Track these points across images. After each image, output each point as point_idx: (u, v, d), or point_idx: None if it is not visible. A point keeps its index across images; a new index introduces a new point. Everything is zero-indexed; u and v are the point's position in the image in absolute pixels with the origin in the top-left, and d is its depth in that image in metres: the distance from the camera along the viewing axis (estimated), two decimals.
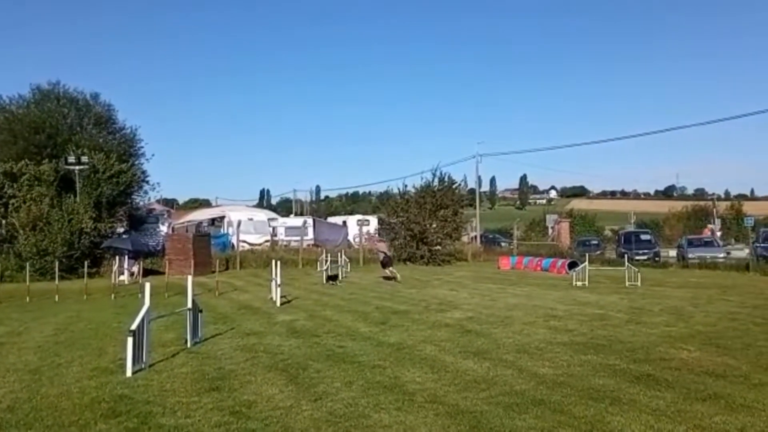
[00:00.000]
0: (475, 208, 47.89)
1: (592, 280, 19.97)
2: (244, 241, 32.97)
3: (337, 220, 47.25)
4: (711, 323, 11.16)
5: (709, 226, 36.36)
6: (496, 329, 10.87)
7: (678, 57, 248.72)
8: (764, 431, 5.18)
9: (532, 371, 7.58)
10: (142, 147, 35.03)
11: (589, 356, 8.38)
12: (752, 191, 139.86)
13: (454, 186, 35.00)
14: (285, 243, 35.90)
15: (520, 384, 6.94)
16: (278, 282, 15.07)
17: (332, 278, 21.37)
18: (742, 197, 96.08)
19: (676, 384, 6.78)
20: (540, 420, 5.60)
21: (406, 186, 35.66)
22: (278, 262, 15.29)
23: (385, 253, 23.64)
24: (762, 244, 26.02)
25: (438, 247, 32.94)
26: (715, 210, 45.53)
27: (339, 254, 25.05)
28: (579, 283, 19.39)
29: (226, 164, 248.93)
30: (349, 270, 25.60)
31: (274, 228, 38.89)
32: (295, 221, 41.12)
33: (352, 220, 41.36)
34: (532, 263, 28.52)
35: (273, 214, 47.14)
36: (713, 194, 79.07)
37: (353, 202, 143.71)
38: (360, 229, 35.14)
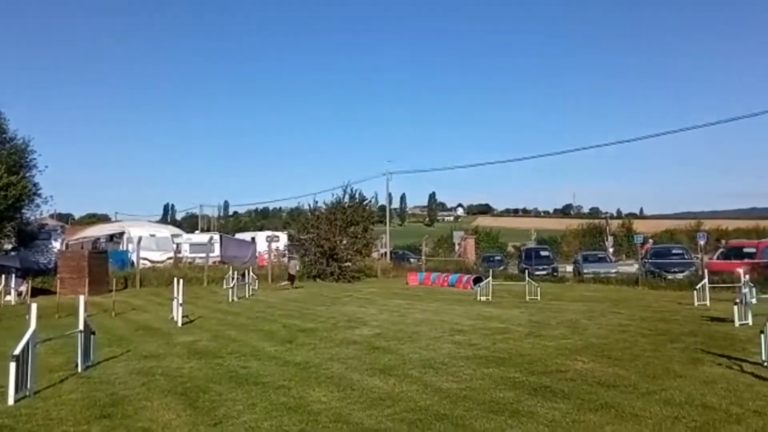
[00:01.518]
0: (385, 224, 48.35)
1: (495, 294, 20.61)
2: (146, 259, 31.52)
3: (245, 236, 46.23)
4: (603, 335, 11.77)
5: (650, 241, 37.61)
6: (403, 345, 10.95)
7: (572, 79, 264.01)
8: None
9: (437, 386, 7.67)
10: (35, 158, 32.71)
11: (491, 369, 8.60)
12: (641, 210, 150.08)
13: (364, 203, 35.24)
14: (189, 260, 34.64)
15: (424, 399, 7.00)
16: (180, 301, 14.48)
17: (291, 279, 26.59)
18: (632, 216, 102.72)
19: (571, 395, 7.07)
20: None
21: (317, 202, 35.61)
22: (181, 280, 14.72)
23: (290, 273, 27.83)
24: (651, 260, 27.83)
25: (348, 264, 32.94)
26: (608, 228, 48.27)
27: (246, 271, 24.46)
28: (483, 298, 19.96)
29: (127, 178, 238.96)
30: (257, 288, 25.07)
31: (177, 245, 37.47)
32: (200, 237, 39.78)
33: (261, 237, 40.61)
34: (439, 279, 29.08)
35: (177, 230, 45.41)
36: (607, 213, 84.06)
37: (263, 218, 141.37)
38: (269, 246, 34.52)
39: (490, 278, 21.33)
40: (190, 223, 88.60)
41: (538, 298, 19.76)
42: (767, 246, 27.82)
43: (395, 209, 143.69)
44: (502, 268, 33.93)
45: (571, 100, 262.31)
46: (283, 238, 40.55)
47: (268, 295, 23.17)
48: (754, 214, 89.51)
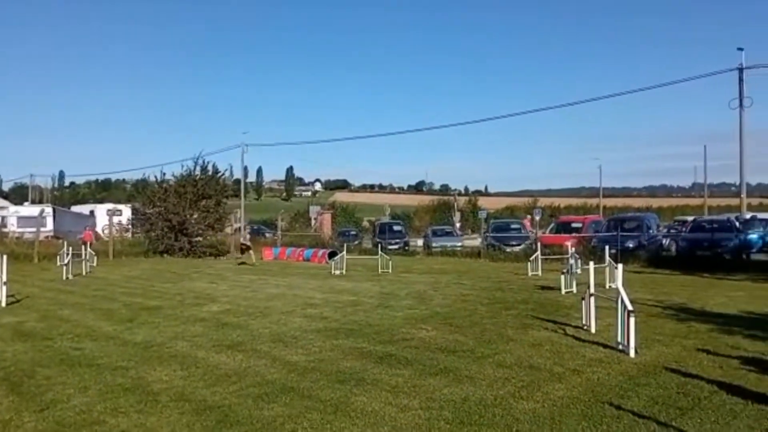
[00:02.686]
0: (240, 198, 47.10)
1: (349, 268, 20.95)
2: None
3: (83, 209, 42.81)
4: (447, 305, 12.43)
5: (528, 216, 38.89)
6: (253, 321, 10.78)
7: (430, 58, 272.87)
8: (483, 398, 5.87)
9: (285, 359, 7.66)
10: None
11: (341, 341, 8.75)
12: (486, 188, 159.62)
13: (218, 175, 34.03)
14: (17, 235, 31.42)
15: (272, 373, 6.96)
16: (4, 279, 13.11)
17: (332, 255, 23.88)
18: (478, 193, 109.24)
19: (414, 361, 7.39)
20: (288, 407, 5.67)
21: (164, 174, 33.75)
22: (5, 257, 13.30)
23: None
24: (491, 234, 29.78)
25: (199, 239, 31.74)
26: (456, 204, 50.97)
27: (84, 247, 22.67)
28: (337, 272, 20.21)
29: None
30: (95, 264, 23.36)
31: (3, 218, 33.81)
32: (30, 210, 36.20)
33: (101, 210, 37.82)
34: (294, 254, 29.00)
35: (3, 202, 40.93)
36: (455, 190, 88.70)
37: (104, 190, 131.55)
38: (110, 220, 32.24)
39: (345, 252, 21.63)
40: (19, 194, 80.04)
41: (390, 271, 20.39)
42: (592, 221, 31.01)
43: (251, 183, 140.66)
44: (357, 242, 34.55)
45: (427, 79, 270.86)
46: (126, 211, 38.07)
47: (108, 272, 21.69)
48: (583, 192, 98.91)
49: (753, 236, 24.24)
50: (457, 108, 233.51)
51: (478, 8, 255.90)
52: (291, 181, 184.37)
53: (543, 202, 67.76)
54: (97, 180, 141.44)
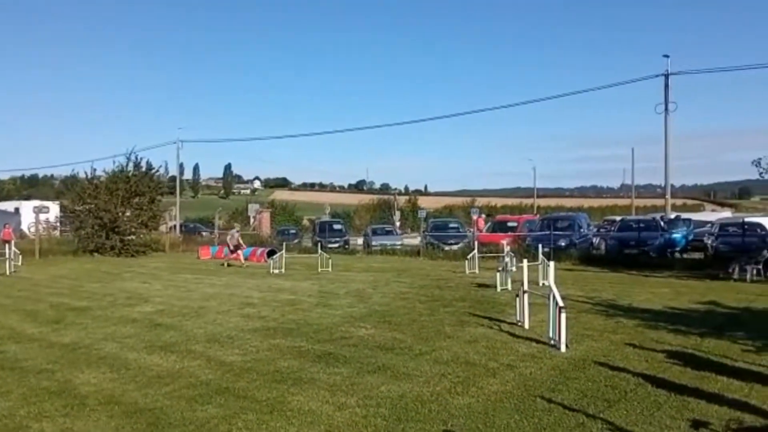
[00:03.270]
0: (176, 196, 45.86)
1: (289, 267, 20.75)
2: None
3: (7, 206, 40.72)
4: (386, 303, 12.49)
5: (483, 216, 37.64)
6: (188, 321, 10.53)
7: (362, 59, 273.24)
8: (420, 394, 5.93)
9: (221, 360, 7.52)
10: None
11: (278, 340, 8.65)
12: (426, 187, 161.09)
13: (151, 172, 33.01)
14: None
15: (206, 374, 6.82)
16: None
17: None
18: (418, 192, 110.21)
19: (352, 359, 7.40)
20: (223, 408, 5.57)
21: (95, 170, 32.45)
22: None
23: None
24: (431, 233, 30.13)
25: (132, 237, 30.73)
26: (396, 203, 51.30)
27: (7, 245, 21.55)
28: (276, 271, 19.98)
29: None
30: (20, 263, 22.26)
31: None
32: None
33: (27, 207, 36.04)
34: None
35: None
36: (395, 189, 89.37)
37: (31, 186, 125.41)
38: (37, 217, 30.75)
39: (284, 251, 21.41)
40: None
41: (330, 269, 20.31)
42: (527, 221, 31.83)
43: (187, 180, 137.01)
44: (296, 241, 34.26)
45: (367, 78, 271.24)
46: (54, 208, 36.41)
47: (34, 272, 20.71)
48: (518, 193, 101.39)
49: (677, 235, 25.40)
50: (398, 107, 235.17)
51: (416, 10, 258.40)
52: (229, 178, 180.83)
53: (481, 201, 68.92)
54: (23, 176, 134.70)
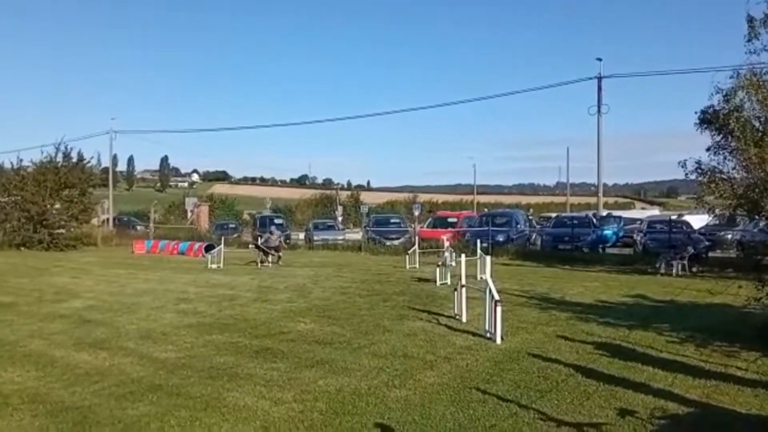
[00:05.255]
0: (108, 188, 44.25)
1: (227, 262, 20.38)
2: None
3: None
4: (326, 297, 12.44)
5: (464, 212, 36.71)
6: (120, 317, 10.20)
7: (310, 53, 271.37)
8: (357, 388, 5.94)
9: (154, 357, 7.32)
10: None
11: (214, 336, 8.49)
12: (368, 182, 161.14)
13: (82, 163, 31.72)
14: None
15: (138, 371, 6.62)
16: None
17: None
18: (360, 188, 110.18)
19: (290, 354, 7.33)
20: (155, 406, 5.42)
21: (21, 160, 30.91)
22: None
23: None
24: (372, 228, 30.19)
25: (61, 231, 29.44)
26: (338, 198, 51.19)
27: None
28: (214, 266, 19.59)
29: None
30: None
31: None
32: None
33: None
34: (168, 247, 27.75)
35: None
36: (338, 184, 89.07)
37: None
38: None
39: (222, 245, 21.01)
40: None
41: (270, 264, 20.06)
42: (466, 217, 32.36)
43: (121, 172, 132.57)
44: (236, 235, 33.67)
45: (310, 72, 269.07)
46: None
47: None
48: (459, 189, 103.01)
49: (608, 232, 26.41)
50: (342, 102, 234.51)
51: (363, 7, 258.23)
52: (166, 171, 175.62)
53: (422, 197, 69.66)
54: None
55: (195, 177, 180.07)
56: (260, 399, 5.59)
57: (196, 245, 26.23)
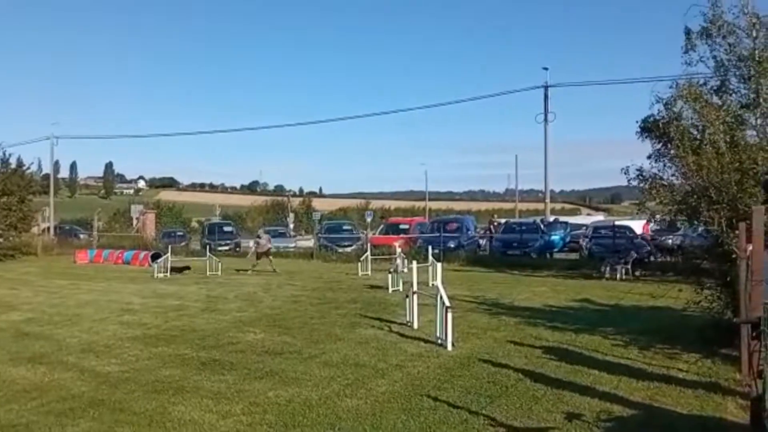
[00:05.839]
0: (49, 195, 42.65)
1: (174, 271, 19.87)
2: None
3: None
4: (277, 306, 12.28)
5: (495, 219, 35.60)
6: (60, 329, 9.82)
7: (258, 58, 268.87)
8: (308, 398, 5.86)
9: (96, 371, 7.05)
10: None
11: (160, 348, 8.25)
12: (320, 189, 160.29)
13: (22, 169, 30.51)
14: None
15: (79, 386, 6.37)
16: None
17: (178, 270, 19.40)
18: (312, 194, 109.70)
19: (239, 365, 7.19)
20: (96, 422, 5.22)
21: None
22: None
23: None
24: (324, 235, 30.04)
25: None
26: (290, 205, 50.75)
27: None
28: (161, 275, 19.09)
29: None
30: None
31: None
32: None
33: None
34: (113, 256, 26.91)
35: None
36: (290, 191, 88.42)
37: None
38: None
39: (169, 254, 20.49)
40: None
41: (219, 273, 19.70)
42: (418, 223, 32.57)
43: (63, 179, 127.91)
44: (184, 243, 32.93)
45: (259, 77, 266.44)
46: None
47: None
48: (411, 196, 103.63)
49: (555, 237, 27.02)
50: (294, 108, 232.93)
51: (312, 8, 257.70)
52: (110, 177, 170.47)
53: (375, 204, 69.75)
54: None
55: (141, 183, 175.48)
56: (207, 412, 5.45)
57: (142, 254, 25.50)
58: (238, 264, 23.85)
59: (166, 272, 19.32)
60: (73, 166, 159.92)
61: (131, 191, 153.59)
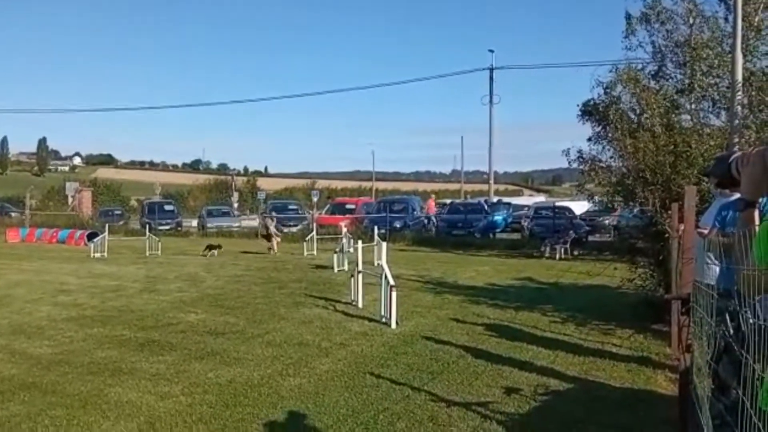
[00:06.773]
0: None
1: (113, 251, 19.28)
2: None
3: None
4: (220, 286, 12.08)
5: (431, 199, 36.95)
6: None
7: (202, 35, 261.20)
8: (250, 378, 5.79)
9: (27, 353, 6.77)
10: None
11: (96, 329, 7.98)
12: (266, 168, 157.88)
13: None
14: None
15: (9, 369, 6.10)
16: None
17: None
18: (257, 173, 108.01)
19: (178, 346, 7.03)
20: (27, 405, 5.01)
21: None
22: None
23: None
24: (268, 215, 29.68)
25: None
26: (234, 183, 49.73)
27: None
28: (98, 255, 18.49)
29: None
30: None
31: None
32: None
33: None
34: (46, 235, 25.93)
35: None
36: (234, 169, 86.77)
37: None
38: None
39: (107, 233, 19.83)
40: None
41: (159, 253, 19.22)
42: (364, 203, 32.58)
43: None
44: (122, 222, 31.98)
45: (203, 53, 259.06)
46: None
47: None
48: (357, 176, 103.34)
49: (498, 218, 27.55)
50: (238, 85, 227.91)
51: None
52: (44, 154, 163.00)
53: (321, 184, 69.15)
54: None
55: (77, 160, 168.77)
56: (145, 394, 5.31)
57: (78, 233, 24.64)
58: (178, 243, 23.33)
59: (104, 252, 18.71)
60: (3, 142, 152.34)
61: (66, 168, 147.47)
